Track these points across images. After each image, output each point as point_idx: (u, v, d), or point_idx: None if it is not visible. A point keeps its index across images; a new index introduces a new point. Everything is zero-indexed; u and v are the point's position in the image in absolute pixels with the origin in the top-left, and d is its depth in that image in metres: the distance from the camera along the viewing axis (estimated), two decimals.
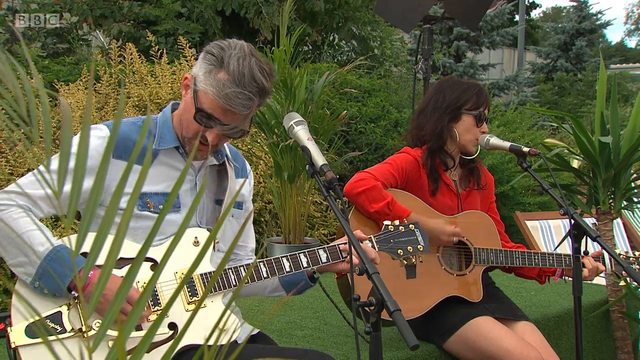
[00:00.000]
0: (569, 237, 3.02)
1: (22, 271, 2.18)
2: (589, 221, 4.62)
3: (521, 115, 9.07)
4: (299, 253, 2.50)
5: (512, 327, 3.27)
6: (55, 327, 2.20)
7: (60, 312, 2.23)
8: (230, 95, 2.27)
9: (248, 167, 2.77)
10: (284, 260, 2.47)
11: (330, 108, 7.12)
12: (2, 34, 8.04)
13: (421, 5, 5.18)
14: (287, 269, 2.47)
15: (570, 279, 3.29)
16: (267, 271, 2.44)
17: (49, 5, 8.84)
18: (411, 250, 2.67)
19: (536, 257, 3.35)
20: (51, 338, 2.19)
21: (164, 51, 6.60)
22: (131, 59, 6.45)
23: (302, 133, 2.36)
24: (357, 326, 2.25)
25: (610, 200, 4.13)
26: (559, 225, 5.60)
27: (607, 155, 3.98)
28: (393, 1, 5.25)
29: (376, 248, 2.64)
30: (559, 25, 22.27)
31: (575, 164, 4.64)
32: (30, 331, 2.17)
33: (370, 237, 2.65)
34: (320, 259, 2.52)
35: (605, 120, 4.04)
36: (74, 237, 2.26)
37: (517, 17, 23.27)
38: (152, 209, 2.37)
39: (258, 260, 2.46)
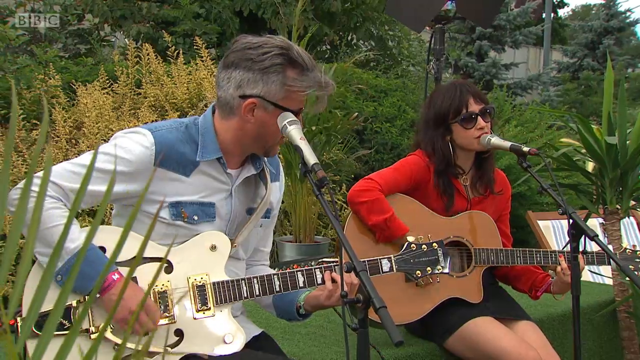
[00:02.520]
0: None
1: (46, 261, 2.22)
2: (597, 221, 4.62)
3: (540, 114, 9.01)
4: (315, 268, 2.50)
5: (513, 327, 3.27)
6: (64, 322, 2.24)
7: (70, 307, 2.25)
8: (323, 81, 2.38)
9: (281, 169, 2.77)
10: (299, 275, 2.47)
11: (345, 108, 7.16)
12: (24, 35, 8.16)
13: (433, 4, 5.19)
14: (301, 284, 2.47)
15: (561, 296, 3.31)
16: (280, 285, 2.46)
17: (71, 7, 8.98)
18: (430, 272, 2.64)
19: (538, 255, 3.34)
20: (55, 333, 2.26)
21: (181, 51, 6.67)
22: (148, 60, 6.53)
23: (295, 132, 2.37)
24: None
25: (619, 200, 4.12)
26: None
27: (614, 154, 3.97)
28: (404, 1, 5.26)
29: (394, 269, 2.62)
30: (586, 24, 22.05)
31: (590, 166, 4.63)
32: (39, 324, 2.17)
33: (390, 257, 2.63)
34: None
35: (612, 120, 4.03)
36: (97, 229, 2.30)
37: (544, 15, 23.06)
38: (185, 219, 2.38)
39: (272, 273, 2.47)
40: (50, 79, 5.93)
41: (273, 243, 5.42)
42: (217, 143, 2.43)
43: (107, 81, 6.22)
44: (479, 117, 3.25)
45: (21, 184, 2.25)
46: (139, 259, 1.00)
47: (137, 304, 2.23)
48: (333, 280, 2.44)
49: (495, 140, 3.25)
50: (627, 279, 3.91)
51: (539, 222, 5.47)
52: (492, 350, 3.12)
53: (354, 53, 10.15)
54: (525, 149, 3.17)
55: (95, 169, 2.29)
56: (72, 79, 6.45)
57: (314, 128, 5.14)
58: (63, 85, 6.11)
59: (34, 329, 2.19)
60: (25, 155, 4.92)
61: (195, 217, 2.40)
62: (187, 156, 2.39)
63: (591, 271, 5.05)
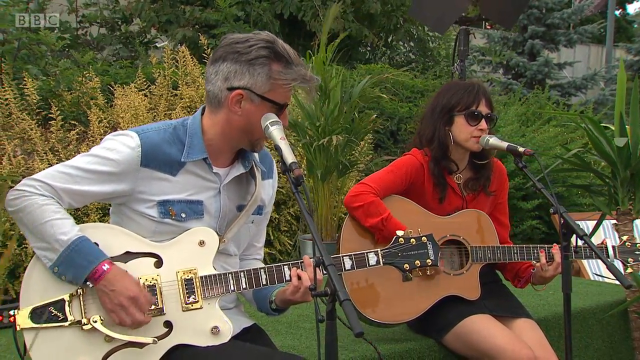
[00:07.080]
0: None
1: (43, 254, 2.36)
2: (610, 223, 4.59)
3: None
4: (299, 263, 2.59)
5: (511, 325, 3.32)
6: (58, 314, 2.36)
7: (63, 300, 2.37)
8: (306, 75, 2.48)
9: (275, 168, 2.84)
10: (285, 268, 2.56)
11: (379, 108, 7.22)
12: (74, 36, 8.46)
13: (455, 6, 5.23)
14: (287, 278, 2.55)
15: (542, 287, 3.39)
16: (267, 279, 2.55)
17: (121, 12, 9.29)
18: (418, 265, 2.69)
19: (535, 250, 3.38)
20: (48, 325, 2.34)
21: None
22: (184, 62, 6.71)
23: (276, 132, 2.46)
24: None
25: (631, 201, 4.10)
26: None
27: (625, 155, 3.95)
28: (427, 3, 5.32)
29: (381, 262, 2.70)
30: None
31: None
32: (34, 316, 2.34)
33: (377, 251, 2.71)
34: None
35: (624, 121, 4.02)
36: (86, 225, 2.43)
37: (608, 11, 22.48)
38: (173, 217, 2.50)
39: (260, 267, 2.57)
40: (90, 81, 6.16)
41: (295, 241, 5.56)
42: (203, 144, 2.53)
43: (145, 83, 6.42)
44: (483, 119, 3.34)
45: (18, 186, 2.39)
46: None
47: (127, 298, 2.34)
48: (299, 277, 2.52)
49: (494, 140, 3.32)
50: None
51: None
52: (488, 347, 3.17)
53: (392, 54, 10.19)
54: (521, 149, 3.22)
55: (85, 170, 2.43)
56: (112, 81, 6.68)
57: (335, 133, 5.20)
58: (102, 87, 6.34)
59: (31, 321, 2.35)
60: (62, 155, 5.15)
61: (183, 215, 2.51)
62: (172, 156, 2.50)
63: (597, 274, 5.03)
